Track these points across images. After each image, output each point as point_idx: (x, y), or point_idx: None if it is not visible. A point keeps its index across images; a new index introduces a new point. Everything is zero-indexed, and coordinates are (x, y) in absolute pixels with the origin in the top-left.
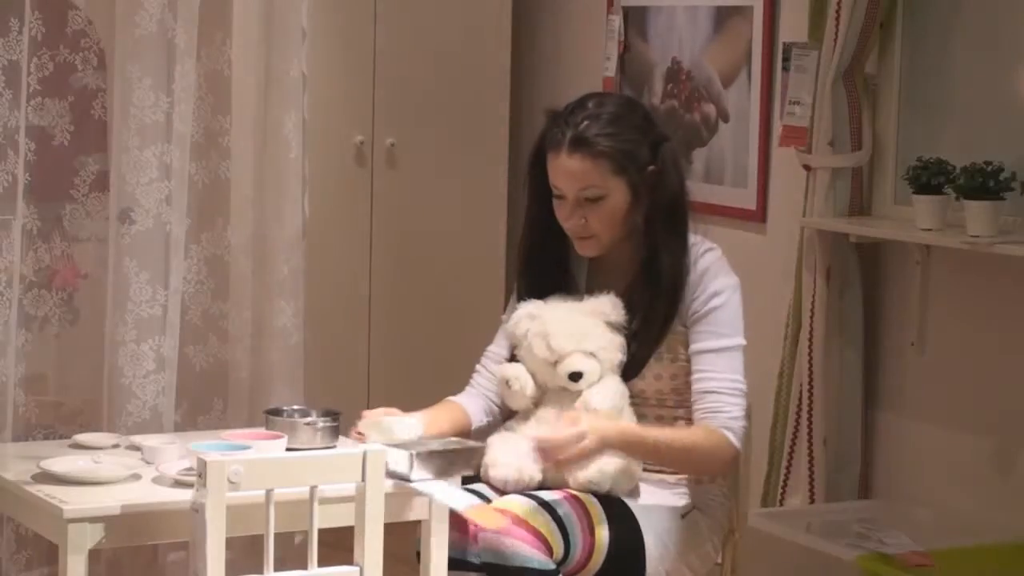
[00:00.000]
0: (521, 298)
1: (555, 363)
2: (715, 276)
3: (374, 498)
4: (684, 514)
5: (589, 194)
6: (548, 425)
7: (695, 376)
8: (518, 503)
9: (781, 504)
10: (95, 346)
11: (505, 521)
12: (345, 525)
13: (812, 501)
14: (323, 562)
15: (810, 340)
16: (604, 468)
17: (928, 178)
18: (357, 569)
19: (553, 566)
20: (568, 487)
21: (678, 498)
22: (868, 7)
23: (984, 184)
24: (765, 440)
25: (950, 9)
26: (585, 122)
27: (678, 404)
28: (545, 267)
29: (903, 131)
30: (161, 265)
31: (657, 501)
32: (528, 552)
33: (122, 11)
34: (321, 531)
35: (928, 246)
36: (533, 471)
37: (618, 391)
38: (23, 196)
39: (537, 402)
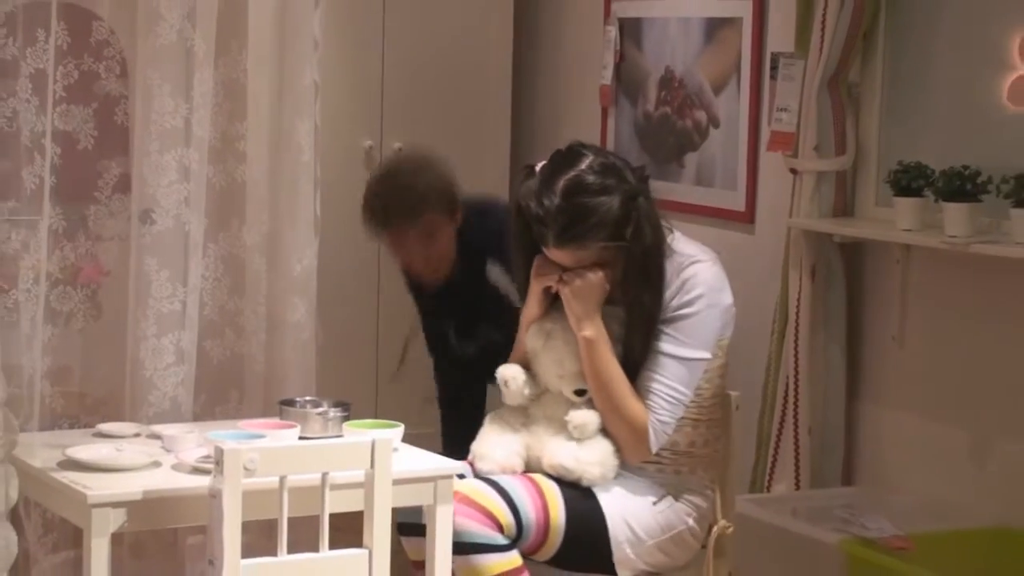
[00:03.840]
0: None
1: (561, 376)
2: (693, 288)
3: (382, 484)
4: (655, 502)
5: (583, 265)
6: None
7: (643, 372)
8: (467, 485)
9: (768, 491)
10: (118, 340)
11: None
12: (355, 510)
13: (798, 487)
14: (334, 545)
15: (796, 335)
16: (579, 456)
17: (908, 181)
18: (366, 552)
19: (505, 541)
20: (541, 471)
21: (650, 488)
22: (852, 18)
23: (962, 187)
24: (753, 430)
25: (930, 20)
26: (563, 219)
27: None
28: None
29: (885, 137)
30: (180, 263)
31: (627, 490)
32: (475, 528)
33: (143, 22)
34: (332, 515)
35: (908, 246)
36: (516, 466)
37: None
38: (49, 198)
39: (533, 399)
